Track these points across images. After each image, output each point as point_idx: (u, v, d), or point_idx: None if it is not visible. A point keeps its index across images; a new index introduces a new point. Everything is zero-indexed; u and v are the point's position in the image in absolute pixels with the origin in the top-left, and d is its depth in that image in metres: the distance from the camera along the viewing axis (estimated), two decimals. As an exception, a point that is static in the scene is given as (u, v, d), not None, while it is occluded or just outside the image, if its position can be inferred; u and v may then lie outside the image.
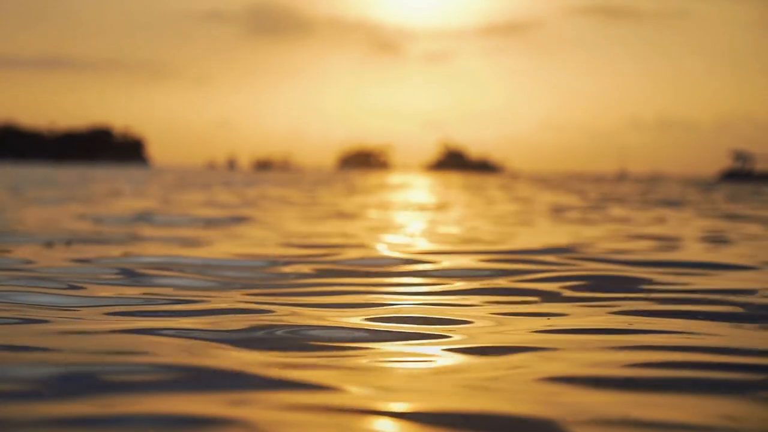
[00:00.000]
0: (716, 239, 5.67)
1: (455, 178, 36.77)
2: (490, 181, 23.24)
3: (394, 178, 41.75)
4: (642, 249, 4.78)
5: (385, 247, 4.74)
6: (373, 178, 40.96)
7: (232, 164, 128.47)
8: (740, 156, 61.97)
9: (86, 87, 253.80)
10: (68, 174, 30.75)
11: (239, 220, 6.98)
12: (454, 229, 6.12)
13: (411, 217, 7.89)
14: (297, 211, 8.39)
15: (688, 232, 6.30)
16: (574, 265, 3.86)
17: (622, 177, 66.93)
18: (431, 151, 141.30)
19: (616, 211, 9.56)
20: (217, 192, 14.40)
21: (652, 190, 21.75)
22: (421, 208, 9.64)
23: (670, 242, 5.33)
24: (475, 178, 36.98)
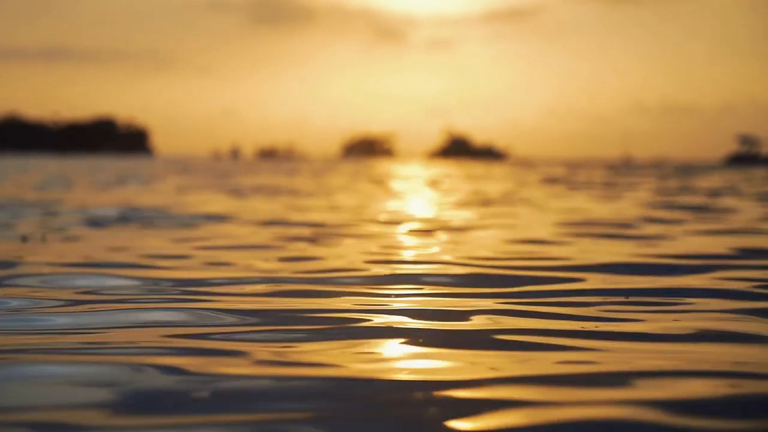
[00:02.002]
0: None
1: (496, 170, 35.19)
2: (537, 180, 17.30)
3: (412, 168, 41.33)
4: None
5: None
6: (382, 166, 40.68)
7: (235, 153, 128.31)
8: (746, 140, 61.90)
9: (90, 78, 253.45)
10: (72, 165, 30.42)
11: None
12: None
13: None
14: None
15: None
16: None
17: (627, 163, 66.82)
18: (435, 138, 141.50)
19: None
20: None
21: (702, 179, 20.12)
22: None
23: None
24: (506, 170, 35.25)
